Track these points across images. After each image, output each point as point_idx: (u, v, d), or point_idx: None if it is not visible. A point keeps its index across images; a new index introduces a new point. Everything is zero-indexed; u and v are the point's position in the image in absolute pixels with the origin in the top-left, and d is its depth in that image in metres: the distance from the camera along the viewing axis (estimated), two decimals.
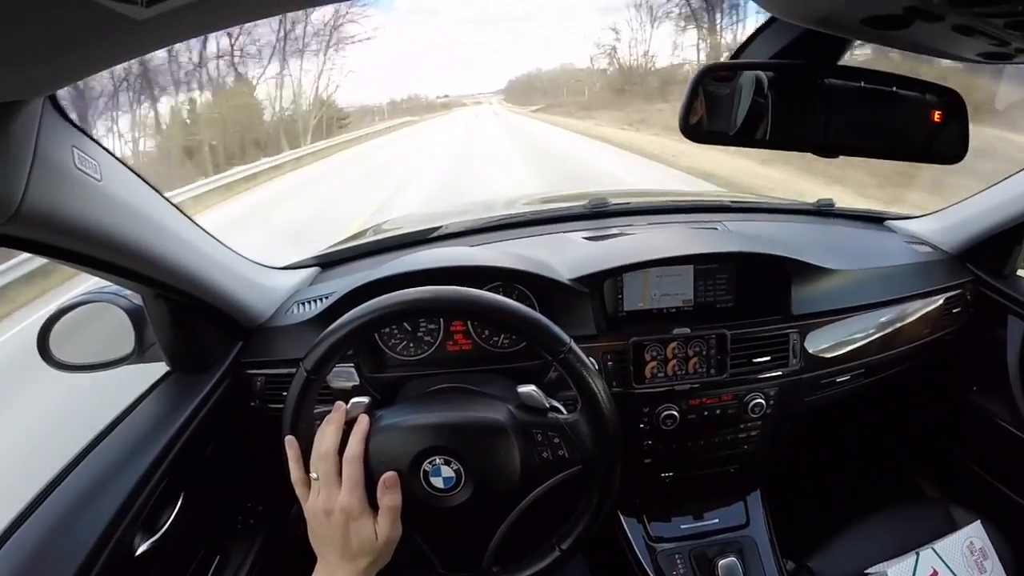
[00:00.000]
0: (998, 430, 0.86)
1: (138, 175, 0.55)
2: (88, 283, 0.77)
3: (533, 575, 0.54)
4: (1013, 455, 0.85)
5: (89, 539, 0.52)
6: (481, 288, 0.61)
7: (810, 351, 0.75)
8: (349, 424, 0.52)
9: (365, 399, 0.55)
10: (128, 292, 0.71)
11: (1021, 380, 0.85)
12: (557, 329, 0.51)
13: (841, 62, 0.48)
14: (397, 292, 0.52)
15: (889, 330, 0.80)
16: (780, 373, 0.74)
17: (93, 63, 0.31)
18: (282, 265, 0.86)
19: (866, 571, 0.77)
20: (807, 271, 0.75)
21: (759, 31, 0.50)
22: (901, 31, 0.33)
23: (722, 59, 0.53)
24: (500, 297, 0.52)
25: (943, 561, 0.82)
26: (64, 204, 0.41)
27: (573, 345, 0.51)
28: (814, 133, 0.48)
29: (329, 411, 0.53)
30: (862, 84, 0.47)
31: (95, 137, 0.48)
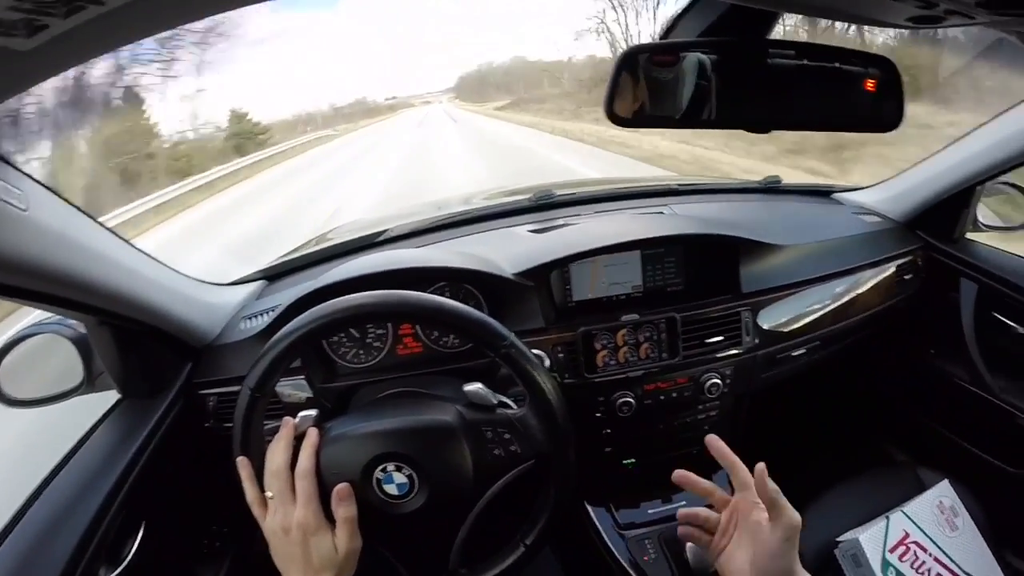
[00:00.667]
0: (958, 390, 0.88)
1: (67, 201, 0.53)
2: (33, 315, 0.75)
3: (500, 573, 0.54)
4: (974, 413, 0.87)
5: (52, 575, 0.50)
6: (426, 289, 0.60)
7: (764, 327, 0.76)
8: (299, 439, 0.51)
9: (313, 412, 0.54)
10: (72, 321, 0.69)
11: (977, 340, 0.87)
12: (497, 325, 0.51)
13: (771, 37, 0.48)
14: (334, 300, 0.51)
15: (843, 301, 0.81)
16: (735, 352, 0.75)
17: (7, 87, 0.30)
18: (228, 281, 0.84)
19: (838, 539, 0.78)
20: (755, 248, 0.75)
21: (686, 9, 0.50)
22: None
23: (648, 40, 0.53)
24: (439, 298, 0.52)
25: (914, 522, 0.84)
26: None
27: (514, 339, 0.51)
28: (757, 111, 0.48)
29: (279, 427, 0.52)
30: (804, 62, 0.47)
31: (17, 165, 0.46)
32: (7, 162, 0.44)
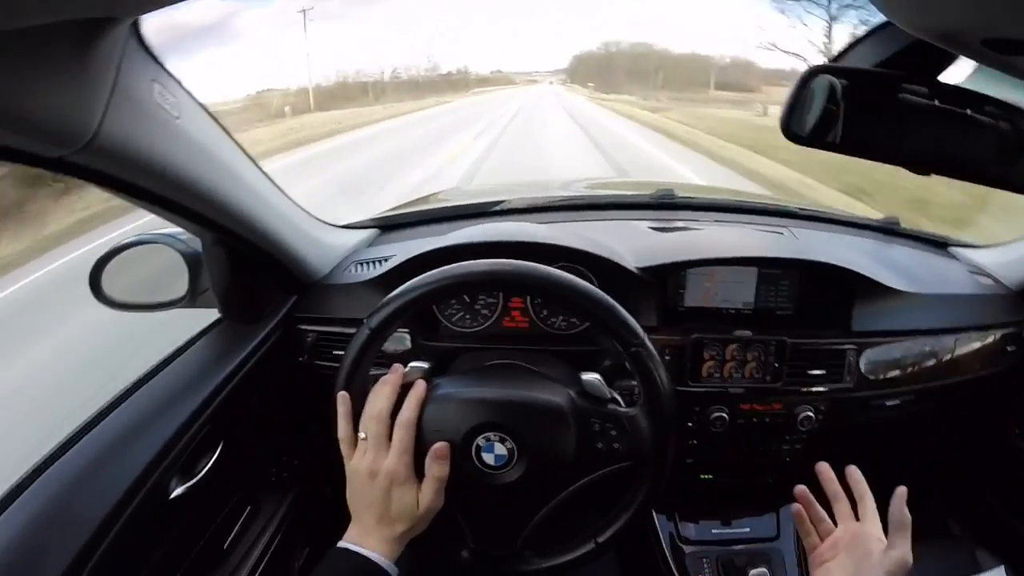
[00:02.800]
0: None
1: (215, 118, 0.55)
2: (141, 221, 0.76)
3: (563, 564, 0.53)
4: None
5: (126, 479, 0.52)
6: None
7: (864, 370, 0.74)
8: (403, 388, 0.52)
9: (424, 364, 0.55)
10: (186, 236, 0.71)
11: None
12: (632, 320, 0.51)
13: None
14: (477, 262, 0.51)
15: (943, 359, 0.78)
16: (832, 388, 0.73)
17: None
18: (343, 224, 0.86)
19: None
20: (871, 288, 0.73)
21: (868, 35, 0.49)
22: (1017, 57, 0.32)
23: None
24: (578, 279, 0.51)
25: None
26: (140, 137, 0.41)
27: (646, 339, 0.50)
28: (888, 145, 0.47)
29: (381, 373, 0.52)
30: (937, 103, 0.45)
31: (175, 75, 0.47)
32: (166, 70, 0.44)
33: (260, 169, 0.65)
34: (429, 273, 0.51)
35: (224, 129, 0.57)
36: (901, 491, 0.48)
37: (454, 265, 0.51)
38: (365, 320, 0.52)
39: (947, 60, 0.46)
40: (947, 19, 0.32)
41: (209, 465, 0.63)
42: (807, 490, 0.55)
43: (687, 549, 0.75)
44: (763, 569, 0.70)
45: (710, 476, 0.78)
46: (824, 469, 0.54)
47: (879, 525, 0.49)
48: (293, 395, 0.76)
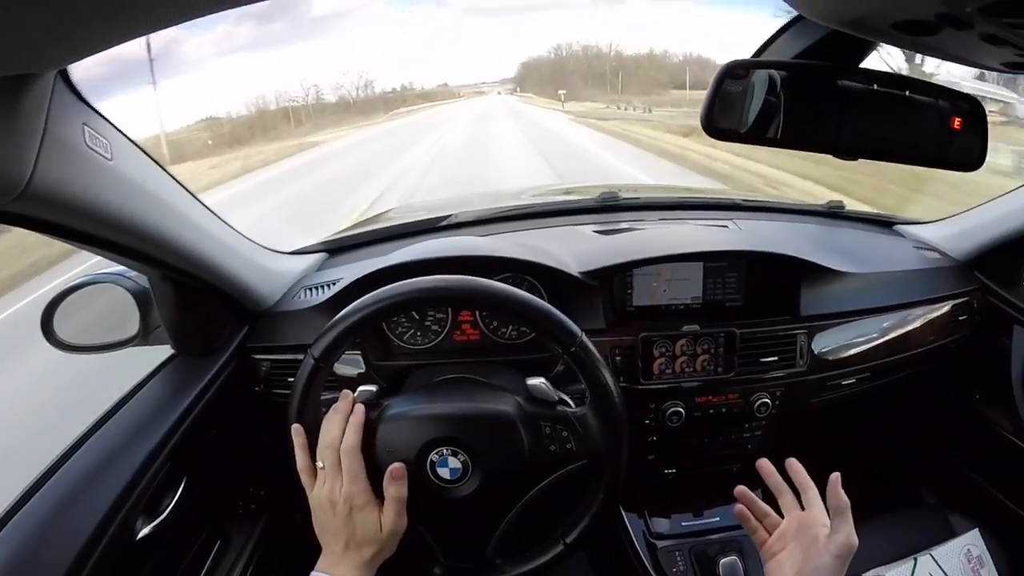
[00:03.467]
0: (999, 439, 0.86)
1: (148, 155, 0.54)
2: (91, 261, 0.76)
3: (535, 568, 0.54)
4: (1013, 465, 0.85)
5: (91, 522, 0.51)
6: (491, 278, 0.60)
7: (816, 352, 0.75)
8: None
9: (373, 387, 0.55)
10: (133, 273, 0.70)
11: None
12: (569, 322, 0.51)
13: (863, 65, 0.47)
14: (409, 280, 0.51)
15: (895, 335, 0.80)
16: (787, 373, 0.74)
17: (107, 37, 0.31)
18: (290, 250, 0.85)
19: (863, 574, 0.78)
20: (817, 272, 0.74)
21: (783, 29, 0.50)
22: (929, 37, 0.33)
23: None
24: (513, 288, 0.52)
25: (940, 567, 0.83)
26: (73, 183, 0.41)
27: (584, 338, 0.51)
28: (826, 134, 0.48)
29: (336, 399, 0.52)
30: (875, 87, 0.46)
31: (106, 115, 0.47)
32: (96, 111, 0.44)
33: (200, 202, 0.64)
34: (366, 297, 0.51)
35: (159, 165, 0.57)
36: (834, 477, 0.49)
37: (389, 287, 0.51)
38: (309, 350, 0.52)
39: (866, 46, 0.47)
40: (853, 6, 0.33)
41: (174, 502, 0.63)
42: (746, 489, 0.56)
43: (659, 544, 0.75)
44: (733, 557, 0.70)
45: (674, 470, 0.78)
46: (764, 465, 0.56)
47: (824, 512, 0.50)
48: (253, 425, 0.75)
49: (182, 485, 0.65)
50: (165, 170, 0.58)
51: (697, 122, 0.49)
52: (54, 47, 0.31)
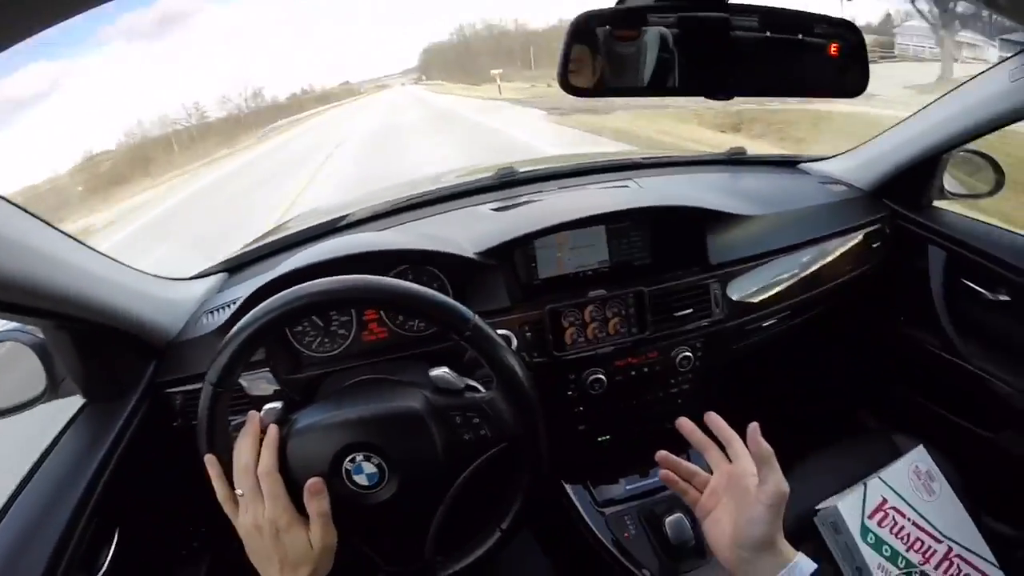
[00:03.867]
0: (930, 356, 0.89)
1: (16, 204, 0.52)
2: None
3: (477, 559, 0.53)
4: (947, 379, 0.88)
5: None
6: (388, 273, 0.59)
7: (733, 299, 0.76)
8: (266, 432, 0.51)
9: (278, 404, 0.53)
10: (29, 327, 0.67)
11: (946, 306, 0.89)
12: (459, 307, 0.50)
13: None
14: (291, 289, 0.50)
15: (811, 270, 0.82)
16: (704, 324, 0.75)
17: None
18: (189, 276, 0.83)
19: (816, 507, 0.79)
20: (721, 219, 0.75)
21: None
22: None
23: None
24: (397, 281, 0.51)
25: (891, 488, 0.85)
26: None
27: (478, 320, 0.50)
28: (720, 80, 0.48)
29: (244, 421, 0.51)
30: (767, 33, 0.47)
31: None
32: None
33: (81, 243, 0.62)
34: (250, 312, 0.50)
35: (34, 215, 0.55)
36: (752, 427, 0.49)
37: (270, 299, 0.50)
38: (206, 376, 0.51)
39: None
40: None
41: (111, 557, 0.61)
42: (667, 453, 0.56)
43: (607, 511, 0.76)
44: (678, 514, 0.71)
45: (607, 437, 0.79)
46: (683, 423, 0.55)
47: (751, 462, 0.49)
48: (179, 462, 0.73)
49: (116, 537, 0.63)
50: (34, 215, 0.55)
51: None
52: None
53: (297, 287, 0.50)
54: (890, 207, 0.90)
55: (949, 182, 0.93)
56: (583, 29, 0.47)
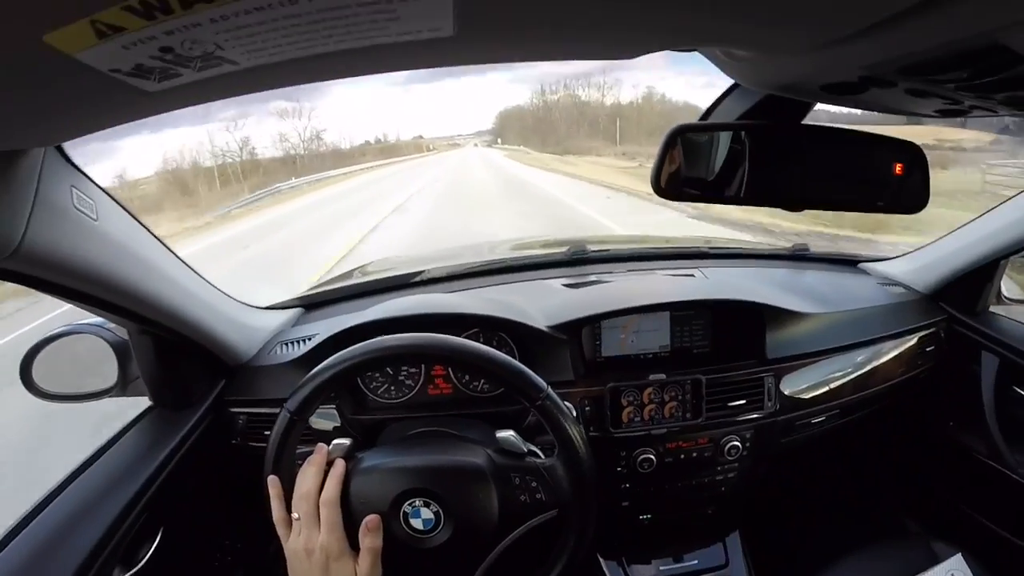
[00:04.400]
0: (976, 464, 0.88)
1: (132, 214, 0.56)
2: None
3: None
4: (991, 488, 0.86)
5: (67, 571, 0.51)
6: (460, 334, 0.62)
7: (786, 393, 0.76)
8: (330, 465, 0.53)
9: (347, 441, 0.56)
10: (112, 325, 0.71)
11: (996, 414, 0.87)
12: (535, 376, 0.53)
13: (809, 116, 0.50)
14: (382, 338, 0.53)
15: (864, 370, 0.82)
16: (756, 416, 0.75)
17: (100, 123, 0.33)
18: (266, 305, 0.87)
19: None
20: (781, 315, 0.77)
21: (727, 92, 0.53)
22: (858, 95, 0.35)
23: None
24: (481, 345, 0.54)
25: None
26: (61, 242, 0.42)
27: (551, 392, 0.53)
28: (786, 188, 0.50)
29: (311, 451, 0.53)
30: (836, 146, 0.49)
31: (92, 178, 0.49)
32: (84, 174, 0.46)
33: (180, 259, 0.66)
34: (340, 353, 0.53)
35: (142, 224, 0.59)
36: None
37: (363, 344, 0.53)
38: (284, 404, 0.53)
39: (805, 104, 0.50)
40: (781, 75, 0.35)
41: (150, 553, 0.63)
42: None
43: None
44: None
45: (649, 516, 0.79)
46: None
47: None
48: (230, 478, 0.75)
49: (159, 536, 0.65)
50: (147, 228, 0.59)
51: None
52: (49, 128, 0.33)
53: (387, 337, 0.53)
54: (946, 311, 0.90)
55: (1007, 287, 0.93)
56: (674, 138, 0.50)
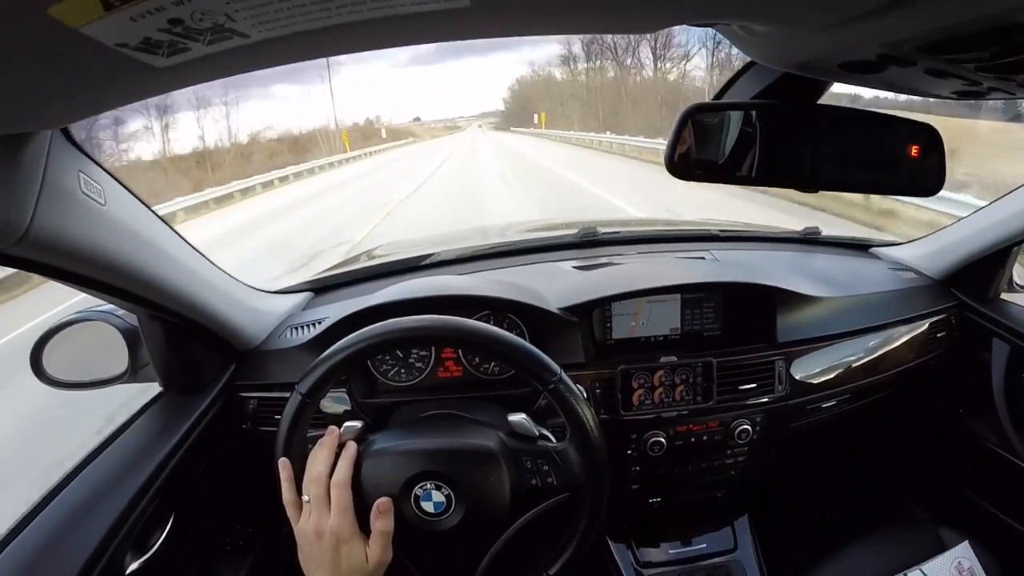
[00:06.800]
0: (985, 451, 0.87)
1: (140, 199, 0.56)
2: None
3: None
4: (1000, 476, 0.86)
5: (80, 557, 0.52)
6: (471, 316, 0.61)
7: (796, 377, 0.76)
8: (342, 447, 0.53)
9: (358, 423, 0.56)
10: (122, 311, 0.71)
11: (1007, 401, 0.87)
12: (548, 359, 0.52)
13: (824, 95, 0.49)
14: (393, 320, 0.53)
15: (875, 355, 0.81)
16: (766, 399, 0.75)
17: (107, 102, 0.32)
18: (275, 289, 0.86)
19: None
20: (792, 299, 0.76)
21: (741, 71, 0.52)
22: (876, 75, 0.34)
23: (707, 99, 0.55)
24: (493, 327, 0.53)
25: None
26: (69, 228, 0.42)
27: (563, 375, 0.52)
28: (800, 168, 0.50)
29: (321, 434, 0.53)
30: (841, 122, 0.48)
31: (100, 162, 0.48)
32: (91, 159, 0.46)
33: (189, 244, 0.66)
34: (351, 336, 0.53)
35: (150, 208, 0.59)
36: None
37: (373, 326, 0.53)
38: (296, 386, 0.53)
39: (819, 86, 0.49)
40: (800, 52, 0.34)
41: (162, 538, 0.64)
42: None
43: (647, 573, 0.76)
44: None
45: (658, 499, 0.79)
46: None
47: None
48: (241, 462, 0.76)
49: (171, 521, 0.66)
50: (155, 213, 0.59)
51: None
52: (56, 110, 0.32)
53: (399, 319, 0.53)
54: (958, 297, 0.89)
55: (1019, 274, 0.92)
56: (688, 118, 0.49)
